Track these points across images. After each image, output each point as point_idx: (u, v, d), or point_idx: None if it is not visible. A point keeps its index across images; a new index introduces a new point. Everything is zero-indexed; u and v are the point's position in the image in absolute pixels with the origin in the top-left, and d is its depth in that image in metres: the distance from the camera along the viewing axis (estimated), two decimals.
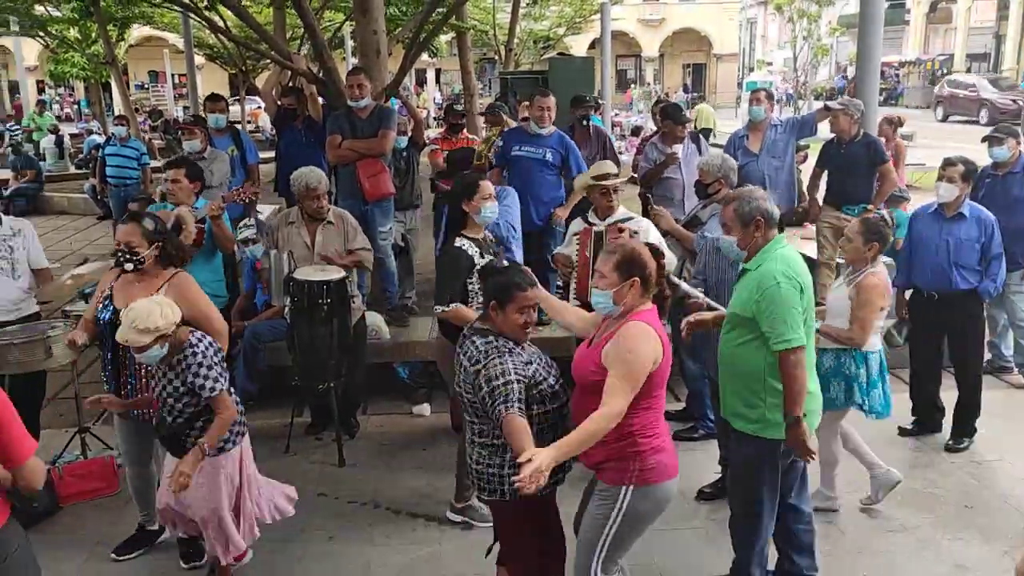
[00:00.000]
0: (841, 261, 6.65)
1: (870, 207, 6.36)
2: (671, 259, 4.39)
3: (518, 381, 2.88)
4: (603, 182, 4.80)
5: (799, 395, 3.22)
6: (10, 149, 15.76)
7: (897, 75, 34.70)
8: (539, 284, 3.20)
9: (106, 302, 3.93)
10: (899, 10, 37.38)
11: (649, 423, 2.94)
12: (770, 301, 3.20)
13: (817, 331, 3.79)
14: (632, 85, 42.24)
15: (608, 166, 5.02)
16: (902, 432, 5.32)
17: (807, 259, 7.63)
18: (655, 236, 4.66)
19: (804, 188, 7.22)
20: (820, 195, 6.85)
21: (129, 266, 3.83)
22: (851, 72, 30.56)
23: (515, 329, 3.02)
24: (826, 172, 6.72)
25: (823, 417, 4.16)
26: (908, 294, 5.40)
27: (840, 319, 4.17)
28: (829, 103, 6.83)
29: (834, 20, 30.17)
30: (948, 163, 4.99)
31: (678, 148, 6.45)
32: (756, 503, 3.45)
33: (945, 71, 34.48)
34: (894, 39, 36.37)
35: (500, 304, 3.01)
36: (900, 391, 5.93)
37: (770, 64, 37.34)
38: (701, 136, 7.15)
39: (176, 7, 10.46)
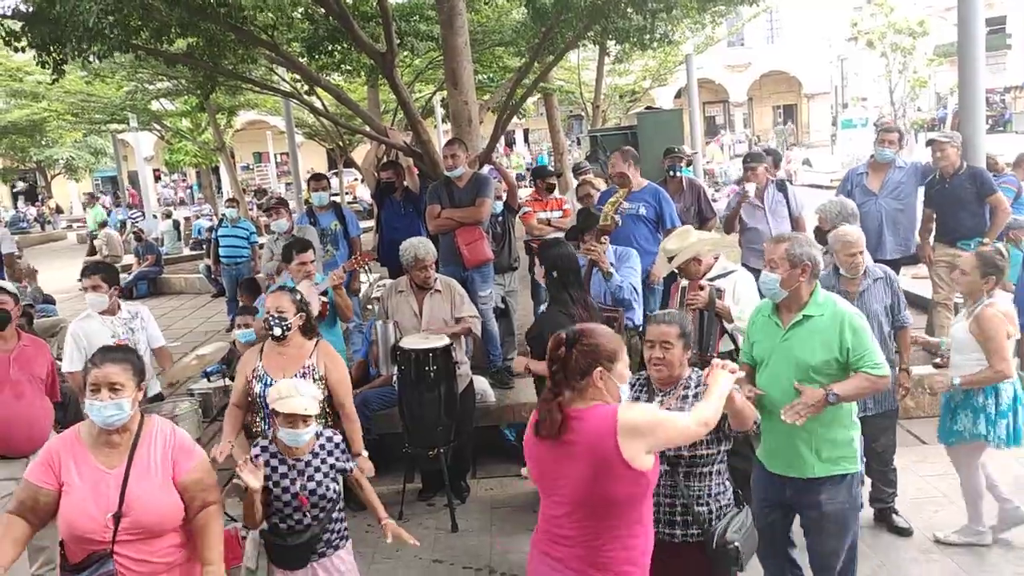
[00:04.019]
0: (959, 300, 6.36)
1: (985, 240, 6.10)
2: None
3: None
4: (674, 264, 4.60)
5: None
6: (132, 236, 16.82)
7: (1003, 101, 33.24)
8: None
9: (263, 377, 4.00)
10: (1000, 34, 35.94)
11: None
12: (865, 337, 3.37)
13: (956, 384, 4.15)
14: (721, 131, 41.85)
15: (678, 238, 4.69)
16: None
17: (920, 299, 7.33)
18: (748, 291, 4.55)
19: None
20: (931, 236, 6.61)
21: (277, 331, 3.95)
22: (952, 102, 29.45)
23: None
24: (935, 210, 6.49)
25: (963, 451, 4.16)
26: None
27: (964, 353, 4.23)
28: (931, 135, 6.65)
29: (930, 51, 29.23)
30: None
31: (751, 187, 6.39)
32: (853, 535, 3.55)
33: None
34: (997, 64, 34.92)
35: None
36: None
37: (864, 99, 36.32)
38: (787, 183, 7.00)
39: (279, 94, 11.05)
